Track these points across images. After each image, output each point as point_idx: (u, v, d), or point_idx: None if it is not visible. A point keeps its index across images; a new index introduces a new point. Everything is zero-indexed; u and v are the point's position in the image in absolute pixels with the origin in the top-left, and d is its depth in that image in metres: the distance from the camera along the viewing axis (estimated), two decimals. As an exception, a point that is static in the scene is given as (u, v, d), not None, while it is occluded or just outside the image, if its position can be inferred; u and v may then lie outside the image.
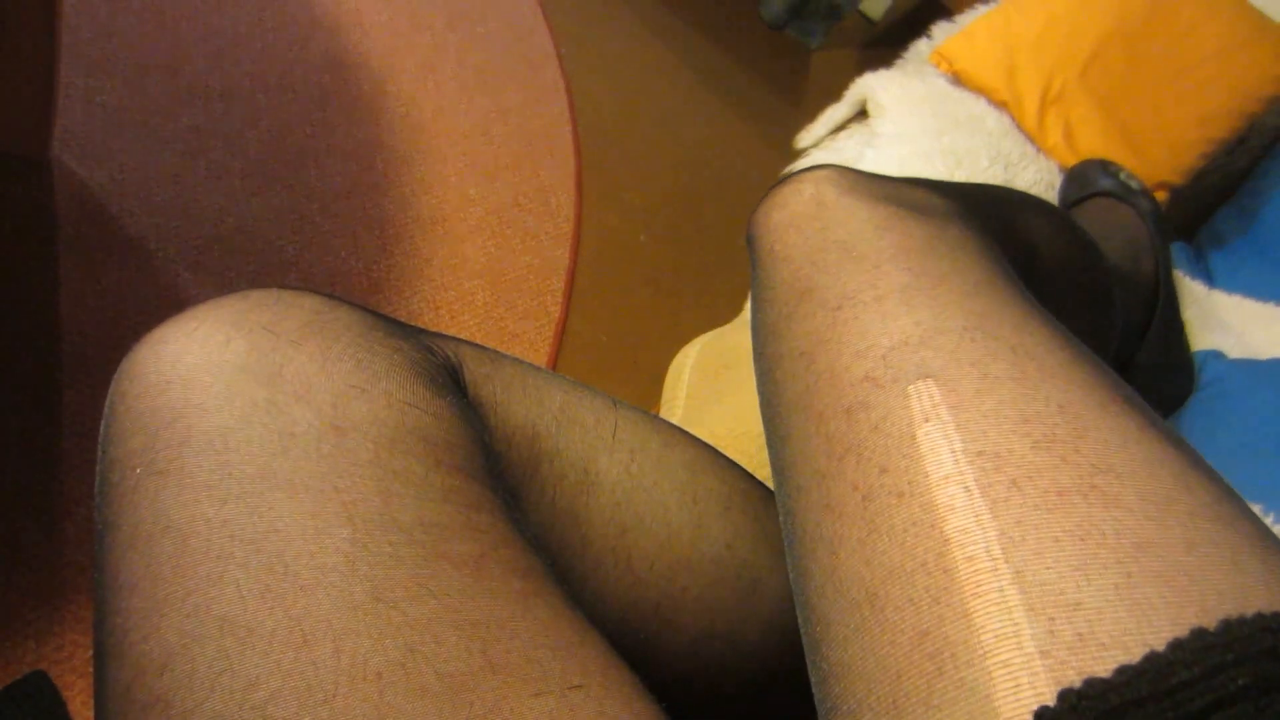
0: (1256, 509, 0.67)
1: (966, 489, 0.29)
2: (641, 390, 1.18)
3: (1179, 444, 0.31)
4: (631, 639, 0.39)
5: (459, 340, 0.39)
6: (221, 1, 1.26)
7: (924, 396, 0.31)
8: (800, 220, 0.40)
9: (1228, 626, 0.24)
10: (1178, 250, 0.99)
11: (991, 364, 0.32)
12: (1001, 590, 0.26)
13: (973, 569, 0.27)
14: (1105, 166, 0.94)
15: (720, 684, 0.41)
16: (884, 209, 0.39)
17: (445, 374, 0.35)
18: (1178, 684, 0.23)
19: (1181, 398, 0.83)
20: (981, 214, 0.44)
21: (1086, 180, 0.94)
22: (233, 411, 0.30)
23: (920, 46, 1.18)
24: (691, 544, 0.40)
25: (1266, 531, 0.29)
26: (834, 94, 1.14)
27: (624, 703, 0.28)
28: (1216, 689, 0.23)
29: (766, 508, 0.45)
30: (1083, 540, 0.27)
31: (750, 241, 0.44)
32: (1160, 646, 0.24)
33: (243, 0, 1.28)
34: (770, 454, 0.39)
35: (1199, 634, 0.24)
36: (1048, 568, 0.26)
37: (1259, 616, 0.25)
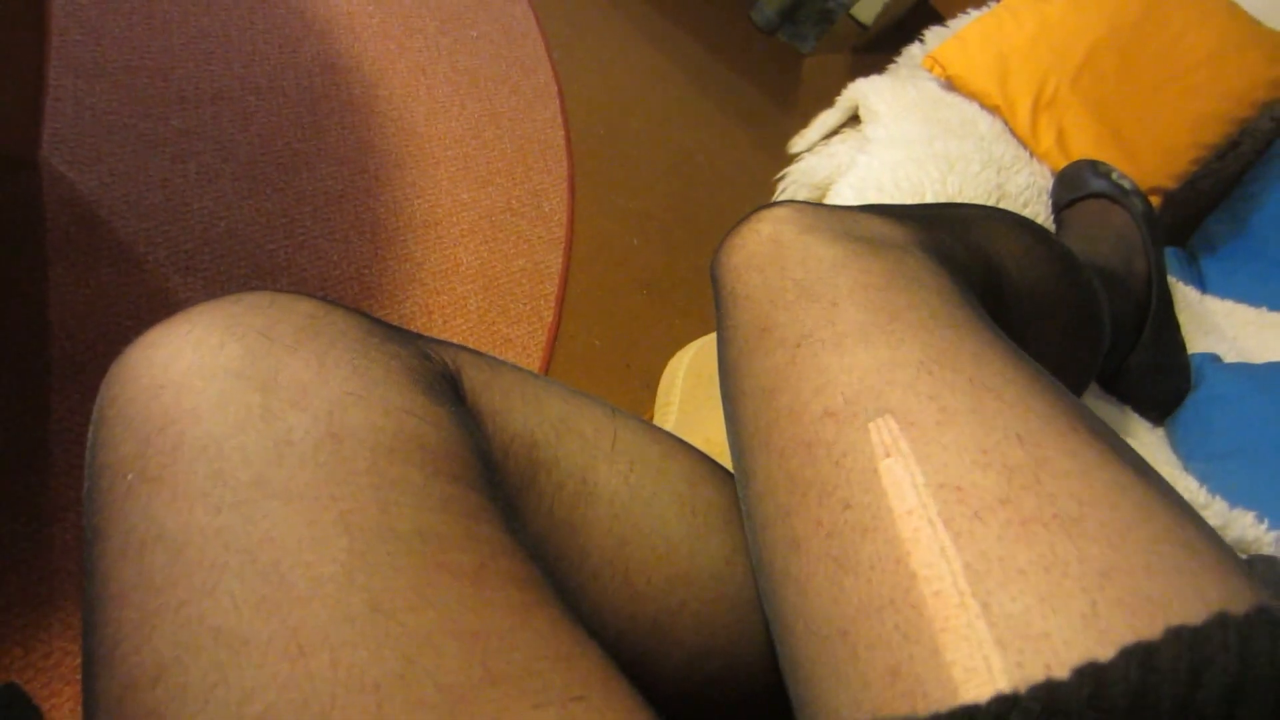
0: (1249, 517, 0.67)
1: (930, 522, 0.29)
2: (634, 395, 1.18)
3: (1140, 469, 0.32)
4: (629, 653, 0.38)
5: (457, 346, 0.38)
6: (212, 4, 1.25)
7: (884, 431, 0.32)
8: (759, 260, 0.41)
9: (1178, 633, 0.25)
10: (1170, 255, 1.00)
11: (949, 398, 0.33)
12: (970, 624, 0.27)
13: (940, 604, 0.27)
14: (1095, 167, 0.94)
15: (718, 700, 0.41)
16: (841, 245, 0.40)
17: (443, 381, 0.35)
18: (1119, 691, 0.24)
19: (1176, 398, 0.83)
20: (943, 241, 0.45)
21: (1078, 182, 0.94)
22: (227, 418, 0.29)
23: (913, 51, 1.19)
24: (690, 558, 0.40)
25: (1227, 553, 0.30)
26: (826, 98, 1.14)
27: (625, 715, 0.28)
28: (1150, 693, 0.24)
29: None
30: (1047, 571, 0.27)
31: (714, 281, 0.45)
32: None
33: (233, 3, 1.27)
34: (739, 489, 0.40)
35: (1146, 646, 0.25)
36: (1013, 599, 0.27)
37: (1208, 621, 0.26)
